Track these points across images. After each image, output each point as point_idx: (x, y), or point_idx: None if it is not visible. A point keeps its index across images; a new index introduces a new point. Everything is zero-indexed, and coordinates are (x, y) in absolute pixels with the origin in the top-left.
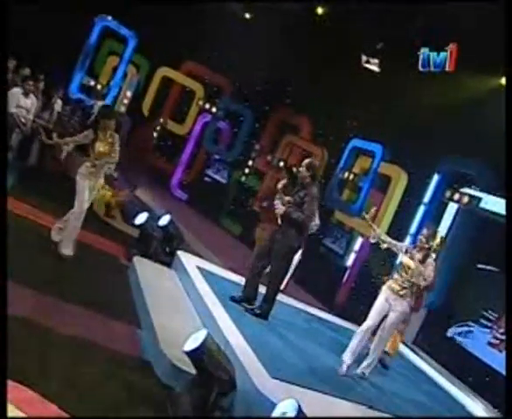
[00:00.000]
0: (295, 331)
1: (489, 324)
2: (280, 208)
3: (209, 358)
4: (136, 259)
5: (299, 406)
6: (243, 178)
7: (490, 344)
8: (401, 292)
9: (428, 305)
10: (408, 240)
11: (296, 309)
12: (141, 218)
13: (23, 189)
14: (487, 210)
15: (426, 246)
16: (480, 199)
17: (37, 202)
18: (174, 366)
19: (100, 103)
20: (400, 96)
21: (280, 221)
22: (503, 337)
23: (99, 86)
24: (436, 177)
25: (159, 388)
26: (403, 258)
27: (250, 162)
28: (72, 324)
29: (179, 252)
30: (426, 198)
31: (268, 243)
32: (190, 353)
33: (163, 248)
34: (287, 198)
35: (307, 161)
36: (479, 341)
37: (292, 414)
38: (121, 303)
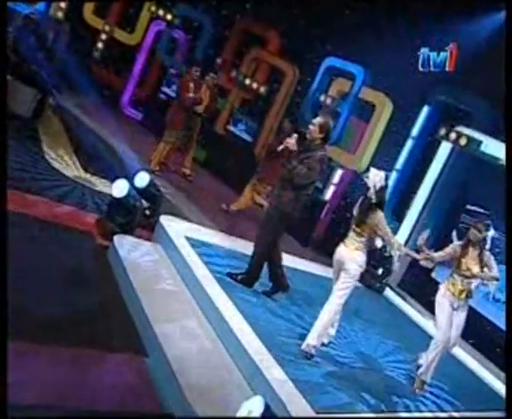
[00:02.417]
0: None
1: None
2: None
3: None
4: (117, 239)
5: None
6: None
7: None
8: (465, 296)
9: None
10: (394, 176)
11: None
12: (121, 189)
13: None
14: (488, 155)
15: (480, 240)
16: (480, 142)
17: None
18: None
19: None
20: (384, 8)
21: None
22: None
23: None
24: (426, 109)
25: None
26: (462, 261)
27: None
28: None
29: (162, 219)
30: (415, 132)
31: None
32: None
33: (145, 216)
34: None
35: (321, 120)
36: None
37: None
38: (111, 317)
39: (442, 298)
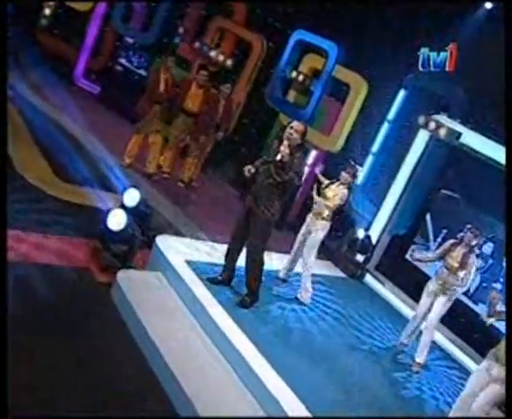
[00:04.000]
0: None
1: None
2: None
3: None
4: (120, 276)
5: None
6: None
7: None
8: (442, 284)
9: (392, 233)
10: (370, 159)
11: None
12: (119, 221)
13: None
14: (467, 146)
15: (473, 244)
16: (459, 134)
17: None
18: None
19: None
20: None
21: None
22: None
23: None
24: (402, 93)
25: None
26: (447, 255)
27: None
28: None
29: (158, 242)
30: (391, 115)
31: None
32: None
33: (142, 240)
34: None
35: (302, 127)
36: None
37: None
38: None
39: (428, 283)
